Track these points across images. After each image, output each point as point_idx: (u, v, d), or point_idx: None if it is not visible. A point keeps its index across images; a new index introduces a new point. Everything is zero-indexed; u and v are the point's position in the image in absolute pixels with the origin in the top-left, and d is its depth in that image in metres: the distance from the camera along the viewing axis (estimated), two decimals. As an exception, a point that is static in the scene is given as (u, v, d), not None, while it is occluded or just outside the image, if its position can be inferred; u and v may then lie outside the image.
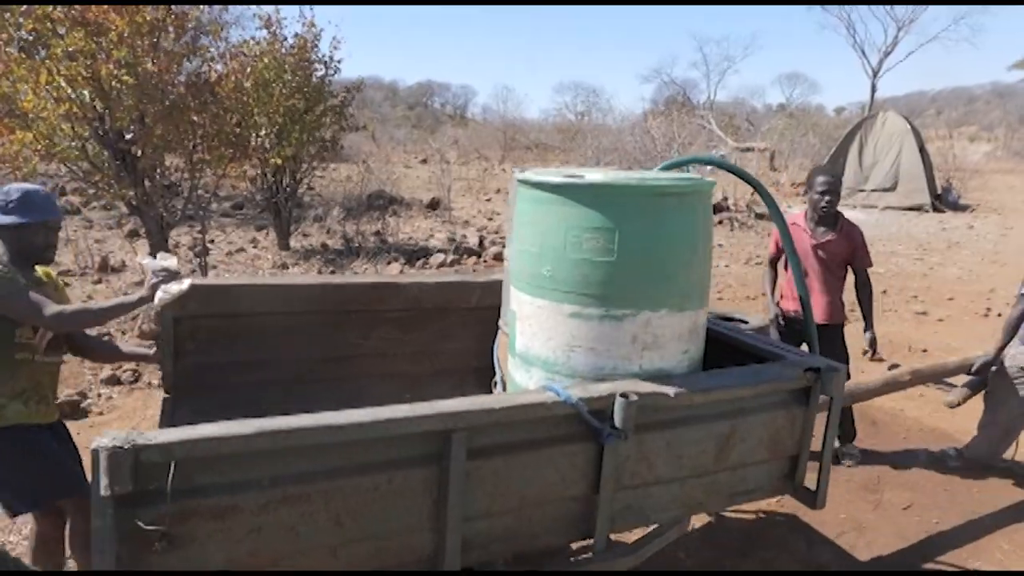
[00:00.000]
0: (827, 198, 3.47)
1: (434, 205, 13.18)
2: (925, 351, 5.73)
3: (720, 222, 12.09)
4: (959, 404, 3.79)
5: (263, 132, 7.98)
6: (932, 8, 36.91)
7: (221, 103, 5.89)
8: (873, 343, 3.69)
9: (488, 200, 14.81)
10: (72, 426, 2.47)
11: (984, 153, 28.26)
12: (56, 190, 12.63)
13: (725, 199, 13.60)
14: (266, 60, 7.29)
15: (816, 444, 2.23)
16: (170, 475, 1.37)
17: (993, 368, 3.51)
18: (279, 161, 7.52)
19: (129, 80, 5.51)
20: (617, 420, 1.76)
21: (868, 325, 3.66)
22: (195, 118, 5.84)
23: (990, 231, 12.20)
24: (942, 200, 14.52)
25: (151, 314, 5.05)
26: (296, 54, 8.48)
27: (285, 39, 8.54)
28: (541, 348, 2.01)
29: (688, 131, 20.22)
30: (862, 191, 14.57)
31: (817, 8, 48.45)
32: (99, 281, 7.74)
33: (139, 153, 5.93)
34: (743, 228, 11.90)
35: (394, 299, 2.78)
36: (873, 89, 33.16)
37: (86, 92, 5.51)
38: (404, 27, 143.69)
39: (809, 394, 2.12)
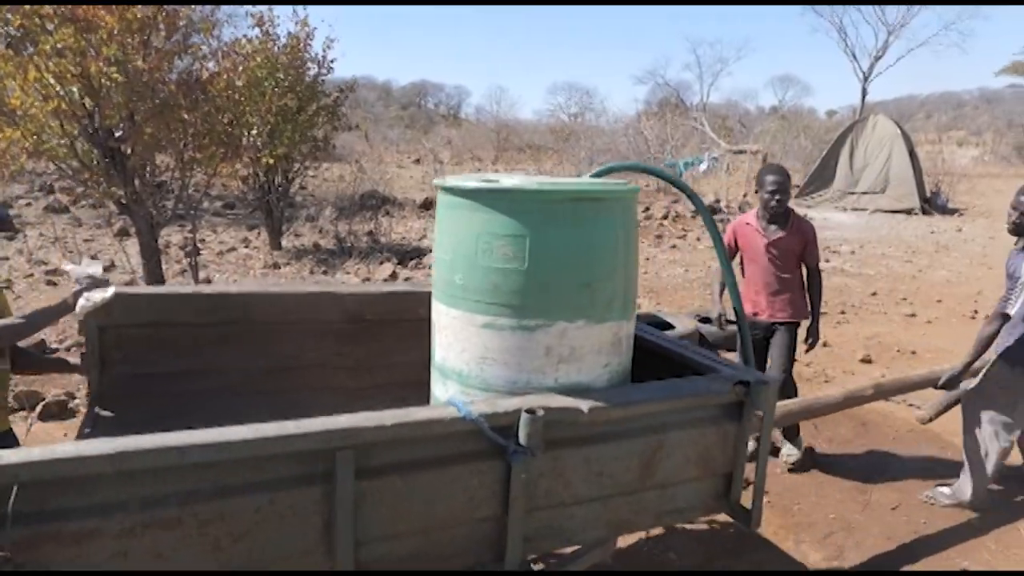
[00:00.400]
0: (777, 197, 3.48)
1: (427, 205, 13.16)
2: (914, 352, 5.77)
3: (712, 224, 12.12)
4: (931, 420, 3.71)
5: (255, 131, 7.94)
6: (922, 14, 37.23)
7: (212, 102, 5.85)
8: (814, 336, 3.67)
9: (481, 201, 14.75)
10: (59, 426, 2.45)
11: (972, 157, 28.55)
12: (44, 188, 12.54)
13: (717, 201, 13.68)
14: (259, 59, 7.24)
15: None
16: (11, 499, 1.28)
17: (962, 384, 3.39)
18: (270, 161, 7.49)
19: (119, 78, 5.46)
20: (522, 437, 1.66)
21: (814, 318, 3.67)
22: (186, 116, 5.79)
23: (978, 234, 12.32)
24: (931, 203, 14.64)
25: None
26: (289, 53, 8.45)
27: (278, 38, 8.52)
28: (456, 360, 1.94)
29: (681, 132, 20.31)
30: (852, 194, 14.67)
31: (810, 11, 48.63)
32: (88, 280, 7.69)
33: (129, 151, 5.89)
34: (734, 230, 11.94)
35: (332, 310, 2.67)
36: (864, 93, 33.37)
37: (75, 89, 5.46)
38: (398, 27, 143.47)
39: (742, 409, 2.02)
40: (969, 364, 3.28)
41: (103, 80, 5.39)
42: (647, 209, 12.84)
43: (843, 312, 7.01)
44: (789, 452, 3.72)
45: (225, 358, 2.56)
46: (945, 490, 3.41)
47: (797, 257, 3.61)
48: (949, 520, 3.25)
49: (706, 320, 5.93)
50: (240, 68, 6.31)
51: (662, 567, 2.83)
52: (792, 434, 3.76)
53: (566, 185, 1.90)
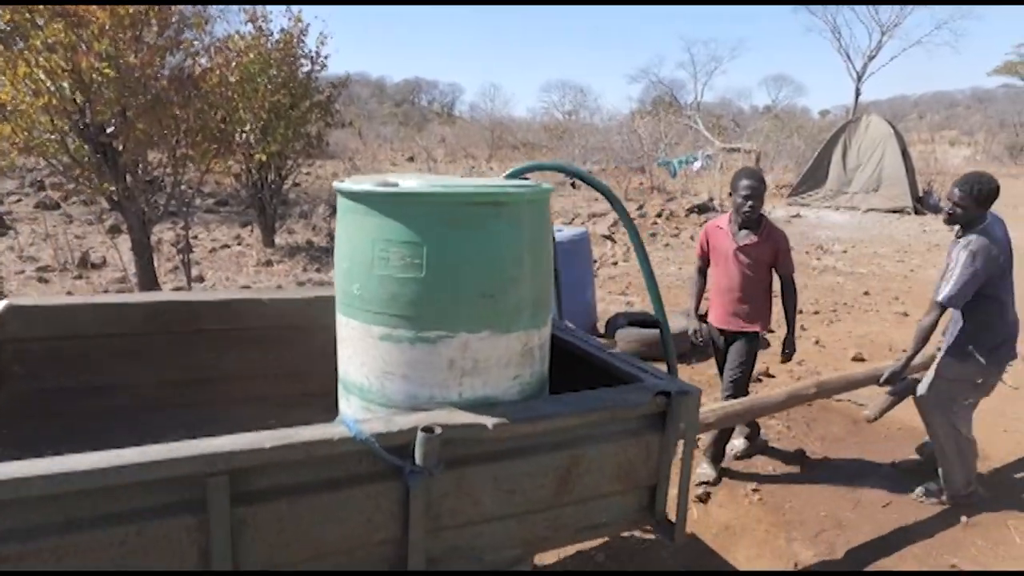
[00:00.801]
0: (750, 203, 3.39)
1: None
2: (905, 351, 5.80)
3: (705, 222, 12.15)
4: (877, 418, 3.73)
5: (248, 128, 7.91)
6: (916, 13, 37.37)
7: (205, 98, 5.82)
8: (790, 348, 3.60)
9: (475, 198, 14.75)
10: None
11: (964, 157, 28.68)
12: (35, 184, 12.45)
13: (711, 199, 13.70)
14: (251, 55, 7.20)
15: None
16: None
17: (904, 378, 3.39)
18: (263, 157, 7.45)
19: (110, 73, 5.43)
20: (419, 457, 1.58)
21: (789, 330, 3.59)
22: (178, 112, 5.77)
23: (970, 234, 12.38)
24: (923, 203, 14.70)
25: None
26: (282, 49, 8.42)
27: (271, 34, 8.48)
28: (356, 374, 1.86)
29: (675, 131, 20.34)
30: (845, 193, 14.72)
31: (803, 10, 48.76)
32: (79, 277, 7.64)
33: (120, 148, 5.86)
34: (728, 229, 11.96)
35: (252, 316, 2.55)
36: (857, 93, 33.50)
37: (66, 85, 5.42)
38: (392, 23, 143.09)
39: (665, 419, 1.95)
40: (911, 358, 3.25)
41: (94, 75, 5.36)
42: (641, 207, 12.86)
43: (835, 311, 7.04)
44: (733, 446, 3.80)
45: (137, 371, 2.43)
46: (932, 486, 3.43)
47: (767, 265, 3.51)
48: (939, 518, 3.27)
49: (699, 319, 5.95)
50: (233, 64, 6.28)
51: (655, 566, 2.84)
52: (754, 434, 3.86)
53: (466, 188, 1.79)
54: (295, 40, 8.59)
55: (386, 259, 1.73)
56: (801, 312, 6.22)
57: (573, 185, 14.74)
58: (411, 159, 24.46)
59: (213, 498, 1.44)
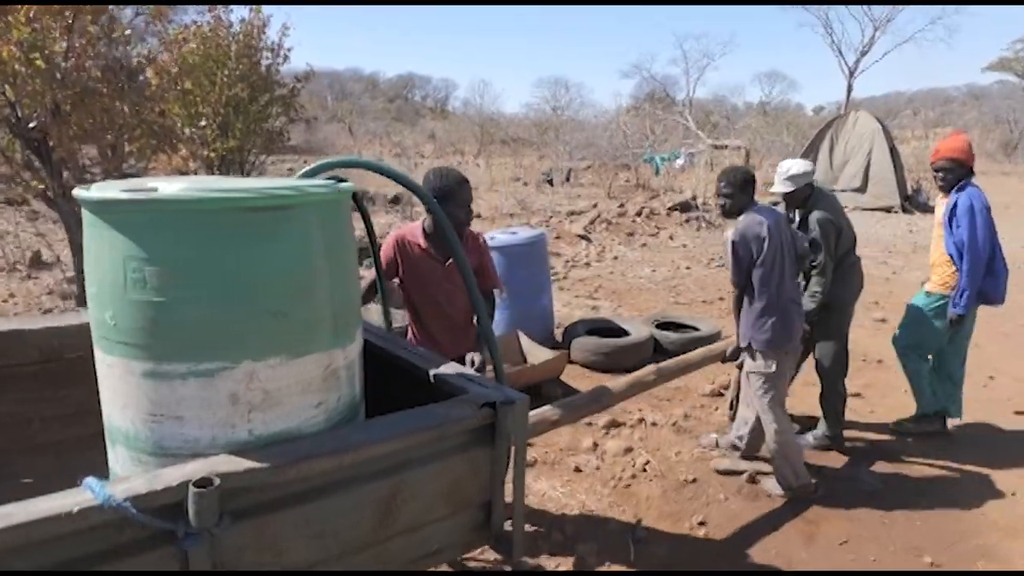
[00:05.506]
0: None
1: (396, 200, 12.82)
2: (880, 361, 5.52)
3: (687, 221, 11.86)
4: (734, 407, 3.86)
5: (203, 123, 7.57)
6: (909, 8, 37.05)
7: (140, 90, 5.48)
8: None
9: (455, 195, 14.43)
10: None
11: (958, 154, 28.35)
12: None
13: (694, 198, 13.39)
14: (193, 44, 6.83)
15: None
16: None
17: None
18: (211, 155, 7.10)
19: (40, 64, 5.10)
20: (192, 517, 1.31)
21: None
22: (114, 105, 5.42)
23: (958, 233, 12.11)
24: (912, 201, 14.43)
25: None
26: (242, 40, 8.05)
27: (230, 24, 8.12)
28: (120, 419, 1.57)
29: (662, 127, 20.03)
30: (832, 191, 14.43)
31: (793, 8, 48.38)
32: (29, 277, 7.34)
33: (52, 143, 5.52)
34: (710, 228, 11.66)
35: (19, 351, 2.14)
36: (849, 88, 33.18)
37: (-12, 76, 5.09)
38: (386, 18, 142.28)
39: (494, 431, 1.80)
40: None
41: (16, 66, 5.02)
42: (622, 205, 12.55)
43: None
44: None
45: None
46: (769, 481, 3.44)
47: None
48: (899, 558, 2.98)
49: (665, 326, 5.65)
50: (175, 54, 5.93)
51: None
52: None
53: (235, 193, 1.49)
54: (256, 32, 8.23)
55: (142, 281, 1.43)
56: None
57: (550, 183, 14.43)
58: (398, 155, 24.13)
59: None
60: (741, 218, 3.22)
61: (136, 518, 1.26)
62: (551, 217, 11.37)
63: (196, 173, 8.48)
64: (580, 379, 4.79)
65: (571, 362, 5.02)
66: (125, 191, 1.46)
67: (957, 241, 3.70)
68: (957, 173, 3.75)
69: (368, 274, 2.60)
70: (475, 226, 10.65)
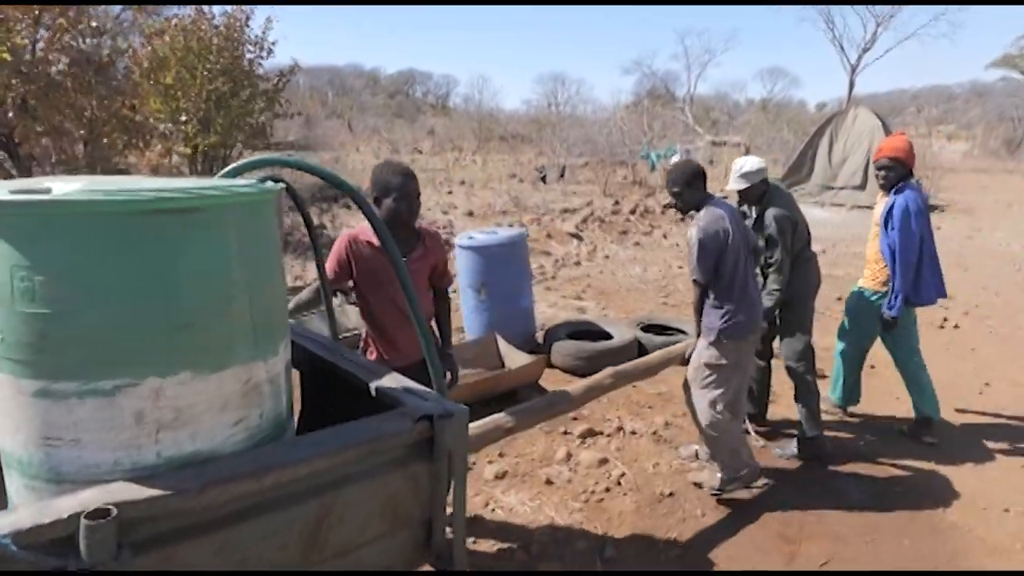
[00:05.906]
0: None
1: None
2: (872, 367, 5.31)
3: (681, 219, 11.67)
4: None
5: (184, 118, 7.42)
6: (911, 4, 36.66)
7: (108, 83, 5.31)
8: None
9: (449, 193, 14.26)
10: None
11: (961, 152, 28.20)
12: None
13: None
14: (166, 36, 6.67)
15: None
16: None
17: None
18: (188, 151, 6.95)
19: (6, 56, 4.94)
20: (84, 552, 1.21)
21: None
22: (79, 99, 5.26)
23: (957, 232, 11.89)
24: (912, 199, 14.21)
25: None
26: (224, 33, 7.90)
27: (213, 16, 7.96)
28: (12, 444, 1.45)
29: (660, 123, 19.83)
30: (831, 189, 14.23)
31: (790, 8, 48.07)
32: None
33: (18, 140, 5.37)
34: (706, 226, 11.48)
35: None
36: (851, 85, 32.86)
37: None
38: (386, 14, 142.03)
39: (433, 444, 1.71)
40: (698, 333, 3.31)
41: (-25, 58, 4.86)
42: (617, 203, 12.36)
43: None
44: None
45: None
46: (703, 476, 3.40)
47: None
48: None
49: (651, 329, 5.48)
50: (147, 48, 5.77)
51: None
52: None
53: (138, 195, 1.36)
54: (239, 25, 8.07)
55: (31, 291, 1.29)
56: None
57: (543, 180, 14.25)
58: (395, 151, 23.97)
59: None
60: (702, 213, 3.16)
61: (18, 555, 1.13)
62: (544, 215, 11.19)
63: (175, 168, 8.33)
64: (560, 384, 4.62)
65: (552, 367, 4.85)
66: (13, 192, 1.31)
67: (891, 243, 3.76)
68: (898, 172, 3.79)
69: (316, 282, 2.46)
70: (467, 223, 10.46)
